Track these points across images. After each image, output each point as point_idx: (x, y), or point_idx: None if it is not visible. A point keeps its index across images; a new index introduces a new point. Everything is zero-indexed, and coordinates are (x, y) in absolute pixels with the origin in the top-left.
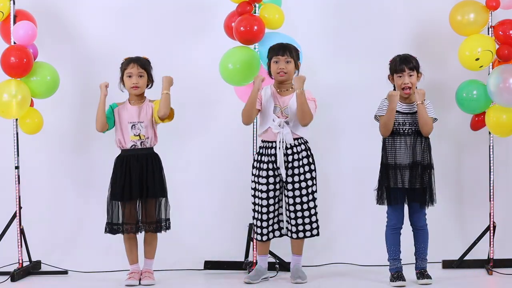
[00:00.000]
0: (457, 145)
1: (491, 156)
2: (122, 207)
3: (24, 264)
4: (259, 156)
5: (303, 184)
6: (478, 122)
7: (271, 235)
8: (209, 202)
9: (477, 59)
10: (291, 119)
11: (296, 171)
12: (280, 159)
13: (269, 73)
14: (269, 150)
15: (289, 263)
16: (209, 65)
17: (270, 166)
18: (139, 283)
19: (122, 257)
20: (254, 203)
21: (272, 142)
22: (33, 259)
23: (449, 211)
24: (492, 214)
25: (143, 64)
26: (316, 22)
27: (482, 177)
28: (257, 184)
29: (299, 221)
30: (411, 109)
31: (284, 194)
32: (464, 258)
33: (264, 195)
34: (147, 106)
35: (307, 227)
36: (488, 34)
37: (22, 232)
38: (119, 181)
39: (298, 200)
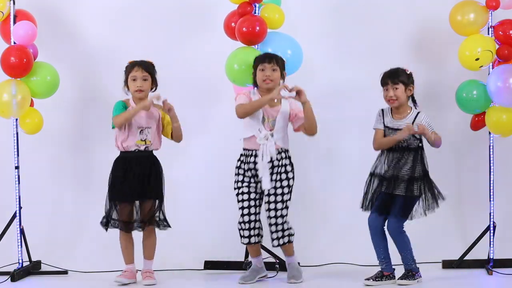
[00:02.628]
0: (457, 145)
1: (491, 156)
2: (121, 206)
3: (24, 264)
4: (240, 163)
5: (279, 191)
6: (478, 122)
7: (253, 239)
8: (209, 202)
9: (477, 59)
10: (277, 131)
11: (274, 177)
12: (263, 171)
13: (254, 83)
14: (250, 158)
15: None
16: (209, 65)
17: (252, 173)
18: (127, 283)
19: (122, 257)
20: (241, 207)
21: (253, 150)
22: (33, 259)
23: (449, 211)
24: (492, 214)
25: (148, 67)
26: (316, 22)
27: (482, 177)
28: (239, 189)
29: (273, 228)
30: (401, 125)
31: (264, 201)
32: (464, 258)
33: (246, 198)
34: (153, 111)
35: (280, 234)
36: (488, 34)
37: (22, 232)
38: (119, 182)
39: (272, 206)
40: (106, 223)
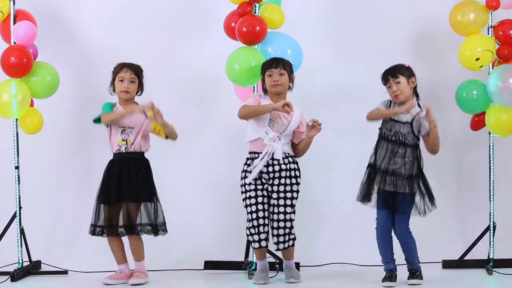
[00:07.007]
0: (457, 145)
1: (491, 156)
2: (106, 209)
3: (24, 264)
4: (247, 167)
5: (289, 195)
6: (478, 122)
7: (263, 243)
8: (209, 202)
9: (477, 59)
10: (285, 136)
11: (282, 181)
12: (258, 169)
13: (264, 89)
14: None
15: None
16: (209, 66)
17: (258, 175)
18: (114, 283)
19: None
20: (249, 212)
21: (260, 153)
22: (33, 259)
23: (449, 211)
24: (492, 214)
25: (136, 70)
26: (316, 22)
27: (482, 177)
28: (247, 193)
29: (281, 231)
30: (401, 118)
31: (270, 204)
32: (464, 258)
33: (253, 202)
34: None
35: (286, 237)
36: (488, 34)
37: (22, 232)
38: (107, 184)
39: (282, 209)
40: (93, 231)
